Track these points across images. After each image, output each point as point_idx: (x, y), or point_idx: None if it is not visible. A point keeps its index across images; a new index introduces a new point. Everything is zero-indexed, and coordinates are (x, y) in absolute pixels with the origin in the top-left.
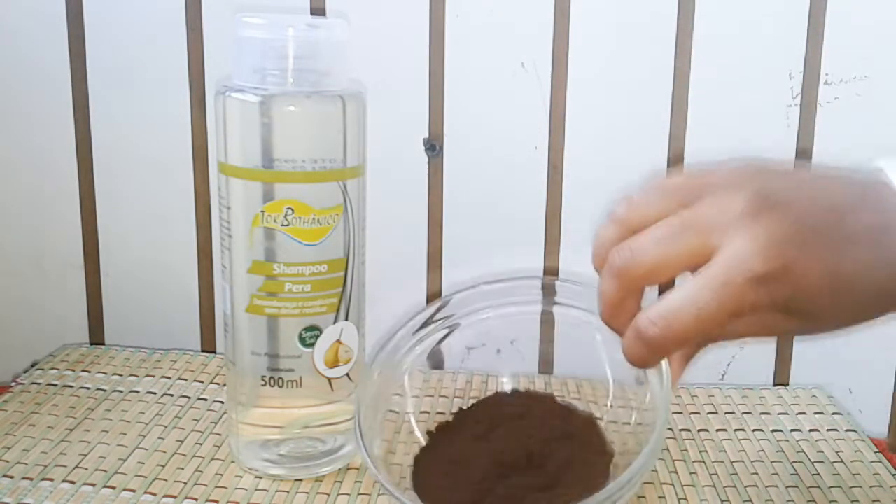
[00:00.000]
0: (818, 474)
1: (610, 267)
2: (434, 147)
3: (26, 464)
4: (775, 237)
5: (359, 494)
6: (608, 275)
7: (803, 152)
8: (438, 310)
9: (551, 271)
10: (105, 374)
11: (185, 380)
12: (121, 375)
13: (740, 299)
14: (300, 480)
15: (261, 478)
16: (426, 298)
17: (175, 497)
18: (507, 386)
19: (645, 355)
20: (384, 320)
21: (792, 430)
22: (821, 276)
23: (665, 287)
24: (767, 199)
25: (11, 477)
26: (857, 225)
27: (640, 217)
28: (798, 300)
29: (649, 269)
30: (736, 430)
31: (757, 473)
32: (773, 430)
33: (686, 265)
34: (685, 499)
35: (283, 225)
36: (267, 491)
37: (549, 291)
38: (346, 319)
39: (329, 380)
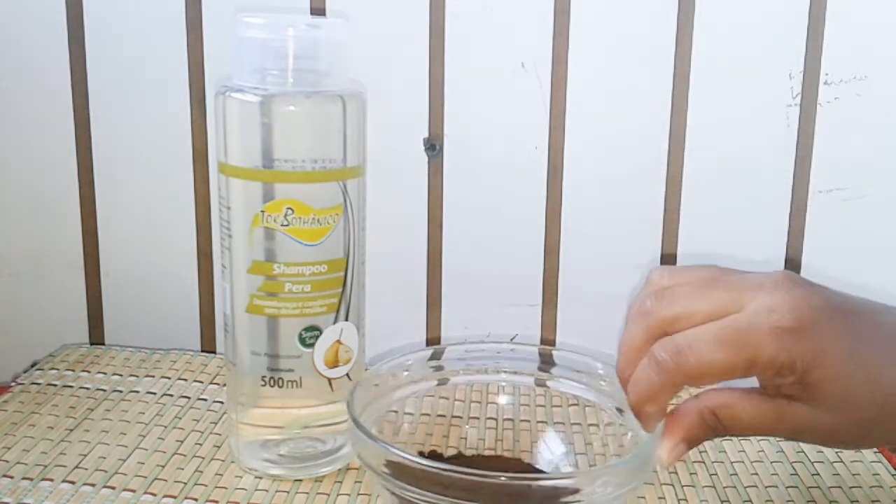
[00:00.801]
0: (818, 474)
1: (656, 362)
2: (434, 147)
3: (26, 464)
4: (808, 303)
5: (359, 494)
6: (652, 370)
7: (803, 152)
8: (433, 357)
9: (551, 272)
10: (105, 374)
11: (185, 380)
12: (121, 375)
13: (760, 347)
14: (300, 480)
15: (261, 478)
16: (426, 299)
17: (175, 497)
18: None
19: (653, 384)
20: (384, 320)
21: None
22: (844, 353)
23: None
24: (803, 281)
25: (11, 477)
26: (885, 324)
27: (672, 315)
28: (816, 378)
29: (700, 370)
30: None
31: (757, 473)
32: None
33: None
34: (685, 499)
35: (283, 225)
36: (267, 491)
37: (546, 361)
38: (346, 319)
39: (329, 380)
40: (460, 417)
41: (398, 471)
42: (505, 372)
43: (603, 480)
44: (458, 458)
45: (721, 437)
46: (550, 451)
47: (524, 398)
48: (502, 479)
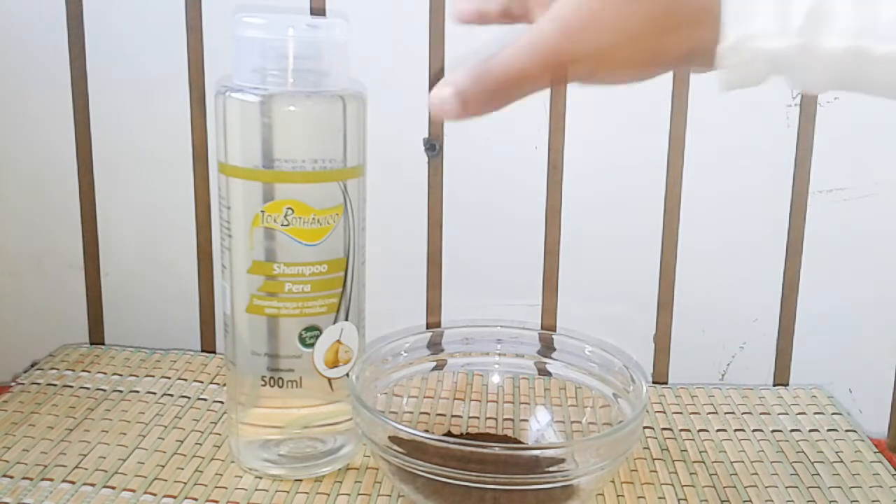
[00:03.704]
0: (818, 474)
1: None
2: (434, 147)
3: (26, 464)
4: None
5: (359, 494)
6: None
7: (803, 152)
8: (432, 343)
9: (551, 271)
10: (105, 374)
11: (185, 380)
12: (121, 375)
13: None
14: (300, 480)
15: (261, 478)
16: (426, 299)
17: (175, 497)
18: (500, 383)
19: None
20: (384, 320)
21: (792, 431)
22: None
23: None
24: None
25: (11, 477)
26: None
27: None
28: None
29: None
30: (736, 430)
31: (757, 473)
32: (773, 431)
33: None
34: (685, 499)
35: (283, 225)
36: (267, 491)
37: (546, 345)
38: (346, 319)
39: (329, 380)
40: (461, 400)
41: (399, 445)
42: (499, 355)
43: (585, 453)
44: (450, 435)
45: (490, 90)
46: (539, 429)
47: (513, 380)
48: (495, 449)
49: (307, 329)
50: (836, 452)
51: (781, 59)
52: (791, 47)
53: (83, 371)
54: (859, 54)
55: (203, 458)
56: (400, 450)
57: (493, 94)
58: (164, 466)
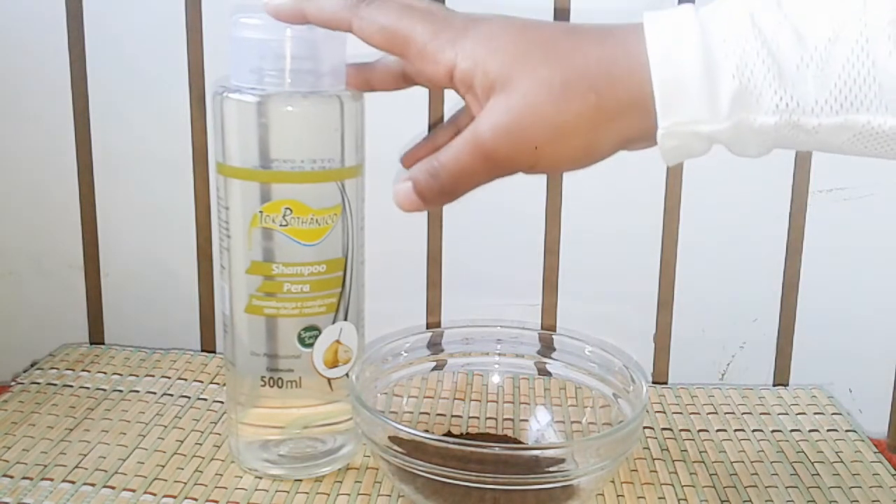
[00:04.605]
0: (818, 474)
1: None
2: None
3: (26, 464)
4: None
5: (359, 494)
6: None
7: (803, 152)
8: (432, 343)
9: (551, 270)
10: (105, 373)
11: (185, 380)
12: (121, 375)
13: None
14: (300, 480)
15: (261, 478)
16: (426, 299)
17: (175, 497)
18: (500, 383)
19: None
20: (384, 320)
21: (792, 431)
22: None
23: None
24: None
25: (11, 477)
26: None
27: None
28: (463, 66)
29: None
30: (736, 430)
31: (757, 474)
32: (773, 431)
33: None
34: (685, 499)
35: (281, 225)
36: (267, 491)
37: (546, 345)
38: (345, 319)
39: (328, 380)
40: (461, 400)
41: (399, 445)
42: (499, 355)
43: (585, 453)
44: (450, 435)
45: (444, 186)
46: (539, 429)
47: (513, 380)
48: (495, 449)
49: (306, 329)
50: (836, 452)
51: (717, 138)
52: (724, 129)
53: (83, 371)
54: (790, 127)
55: (203, 458)
56: (400, 450)
57: (443, 190)
58: (164, 466)
